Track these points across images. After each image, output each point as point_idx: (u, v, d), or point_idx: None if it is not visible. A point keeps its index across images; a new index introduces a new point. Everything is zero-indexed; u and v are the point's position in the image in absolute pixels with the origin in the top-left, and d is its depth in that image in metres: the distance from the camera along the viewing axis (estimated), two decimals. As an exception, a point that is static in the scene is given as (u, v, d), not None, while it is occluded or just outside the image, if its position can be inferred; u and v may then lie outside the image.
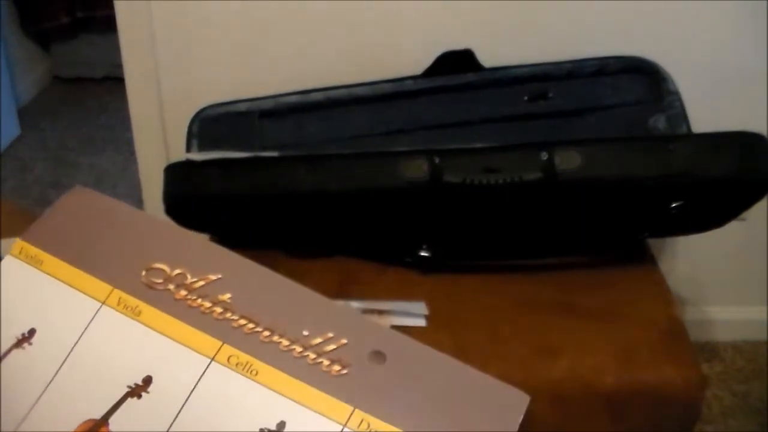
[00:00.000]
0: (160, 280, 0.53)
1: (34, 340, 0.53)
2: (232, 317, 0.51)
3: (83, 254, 0.55)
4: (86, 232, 0.56)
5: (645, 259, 1.02)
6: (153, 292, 0.53)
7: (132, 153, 1.31)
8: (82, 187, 0.59)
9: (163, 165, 0.99)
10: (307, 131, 1.08)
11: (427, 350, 0.50)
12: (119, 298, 0.53)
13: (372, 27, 1.16)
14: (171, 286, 0.53)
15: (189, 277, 0.53)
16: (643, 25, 1.15)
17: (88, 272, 0.54)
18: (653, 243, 1.07)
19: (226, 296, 0.52)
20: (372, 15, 1.15)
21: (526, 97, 1.07)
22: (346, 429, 0.47)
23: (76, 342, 0.52)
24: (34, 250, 0.55)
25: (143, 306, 0.52)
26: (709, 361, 1.39)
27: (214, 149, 1.03)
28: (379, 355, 0.49)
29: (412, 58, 1.09)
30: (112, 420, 0.49)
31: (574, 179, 0.86)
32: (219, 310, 0.52)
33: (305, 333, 0.50)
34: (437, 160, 0.88)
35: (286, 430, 0.47)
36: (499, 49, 1.10)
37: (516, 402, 0.48)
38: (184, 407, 0.49)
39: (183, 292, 0.53)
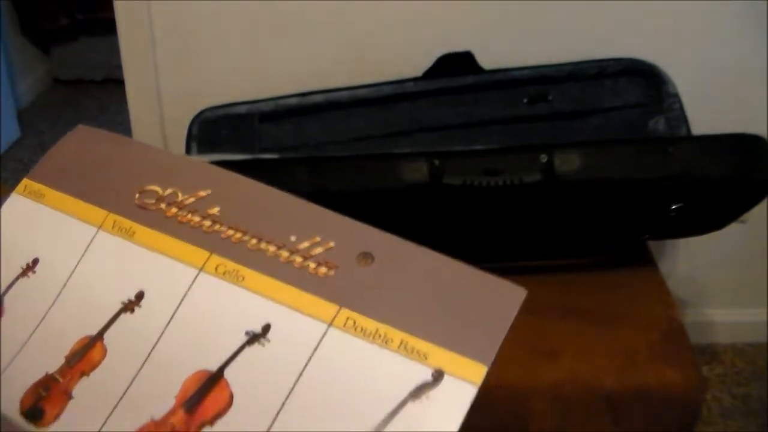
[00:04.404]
0: (153, 201, 0.55)
1: (37, 268, 0.55)
2: (220, 229, 0.53)
3: (82, 185, 0.58)
4: (85, 164, 0.59)
5: (645, 261, 1.02)
6: (146, 213, 0.55)
7: (132, 155, 1.31)
8: (84, 126, 0.62)
9: (163, 167, 0.99)
10: (307, 133, 1.08)
11: (417, 249, 0.50)
12: (114, 222, 0.55)
13: (372, 29, 1.16)
14: (163, 205, 0.55)
15: (180, 195, 0.55)
16: (643, 27, 1.15)
17: (85, 201, 0.57)
18: (653, 245, 1.07)
19: (215, 210, 0.54)
20: (372, 17, 1.15)
21: (525, 99, 1.07)
22: (331, 327, 0.47)
23: (75, 267, 0.55)
24: (37, 186, 0.59)
25: (136, 227, 0.55)
26: (709, 363, 1.39)
27: (214, 151, 1.03)
28: (367, 256, 0.50)
29: (411, 60, 1.09)
30: (106, 335, 0.52)
31: (573, 181, 0.86)
32: (208, 223, 0.53)
33: (293, 238, 0.51)
34: (437, 162, 0.88)
35: (271, 331, 0.48)
36: (499, 51, 1.10)
37: (511, 296, 0.47)
38: (173, 318, 0.51)
39: (174, 210, 0.54)
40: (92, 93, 2.57)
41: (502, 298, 0.47)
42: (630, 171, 0.88)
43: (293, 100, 1.09)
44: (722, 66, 1.17)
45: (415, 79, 1.09)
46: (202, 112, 1.09)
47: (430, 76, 1.09)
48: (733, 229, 0.97)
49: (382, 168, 0.90)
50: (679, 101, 1.05)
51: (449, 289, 0.48)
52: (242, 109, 1.09)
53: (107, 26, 2.00)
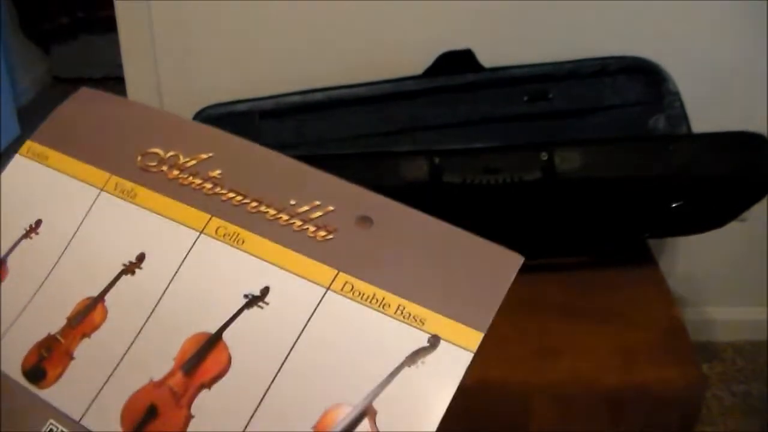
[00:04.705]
0: (155, 163, 0.56)
1: (40, 229, 0.56)
2: (221, 191, 0.53)
3: (84, 147, 0.58)
4: (88, 127, 0.60)
5: (645, 259, 1.02)
6: (147, 175, 0.55)
7: (132, 153, 1.31)
8: (87, 88, 0.63)
9: (164, 165, 0.99)
10: (308, 131, 1.08)
11: (415, 214, 0.51)
12: (116, 184, 0.56)
13: (372, 27, 1.16)
14: (164, 168, 0.55)
15: (182, 157, 0.55)
16: (644, 25, 1.15)
17: (88, 162, 0.57)
18: (653, 243, 1.07)
19: (216, 172, 0.54)
20: (372, 15, 1.15)
21: (526, 98, 1.07)
22: (329, 291, 0.48)
23: (77, 228, 0.55)
24: (40, 148, 0.60)
25: (138, 189, 0.55)
26: (709, 362, 1.39)
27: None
28: (365, 220, 0.50)
29: (412, 58, 1.09)
30: (107, 297, 0.52)
31: (574, 179, 0.86)
32: (209, 185, 0.54)
33: (292, 202, 0.51)
34: (437, 161, 0.88)
35: (270, 294, 0.49)
36: (499, 49, 1.10)
37: (508, 262, 0.47)
38: (174, 280, 0.51)
39: (175, 172, 0.55)
40: (92, 91, 2.57)
41: (498, 265, 0.47)
42: (630, 169, 0.88)
43: (294, 98, 1.09)
44: (722, 64, 1.17)
45: (415, 78, 1.09)
46: (203, 110, 1.09)
47: (431, 74, 1.09)
48: (733, 227, 0.97)
49: (382, 166, 0.90)
50: (680, 99, 1.05)
51: (447, 255, 0.49)
52: (243, 107, 1.09)
53: (107, 24, 2.00)
